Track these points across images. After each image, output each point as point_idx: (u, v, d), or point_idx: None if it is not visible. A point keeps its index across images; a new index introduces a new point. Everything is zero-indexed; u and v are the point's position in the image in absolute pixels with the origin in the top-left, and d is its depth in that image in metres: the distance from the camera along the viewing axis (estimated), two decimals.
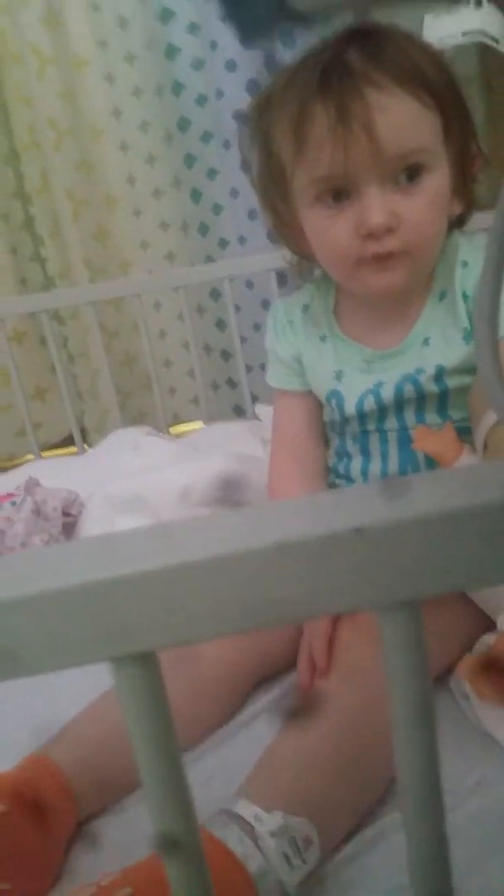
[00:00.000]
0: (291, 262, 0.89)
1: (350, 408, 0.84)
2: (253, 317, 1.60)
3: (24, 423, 1.49)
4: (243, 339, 1.46)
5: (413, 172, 0.70)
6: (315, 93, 0.68)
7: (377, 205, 0.69)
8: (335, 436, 0.90)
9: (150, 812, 0.27)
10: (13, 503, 1.03)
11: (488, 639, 0.71)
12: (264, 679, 0.78)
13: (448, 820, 0.59)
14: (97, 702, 0.70)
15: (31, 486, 1.07)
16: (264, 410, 1.31)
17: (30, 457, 1.43)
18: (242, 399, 1.63)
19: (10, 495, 1.06)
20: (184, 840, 0.27)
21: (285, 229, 0.81)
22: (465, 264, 0.78)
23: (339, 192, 0.71)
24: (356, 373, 0.84)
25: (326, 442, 0.93)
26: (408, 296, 0.80)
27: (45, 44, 1.50)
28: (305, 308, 0.90)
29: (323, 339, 0.87)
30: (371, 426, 0.85)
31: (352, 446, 0.87)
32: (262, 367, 1.64)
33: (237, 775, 0.62)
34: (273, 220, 0.82)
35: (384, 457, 0.85)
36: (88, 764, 0.64)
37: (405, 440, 0.82)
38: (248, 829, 0.53)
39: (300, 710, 0.68)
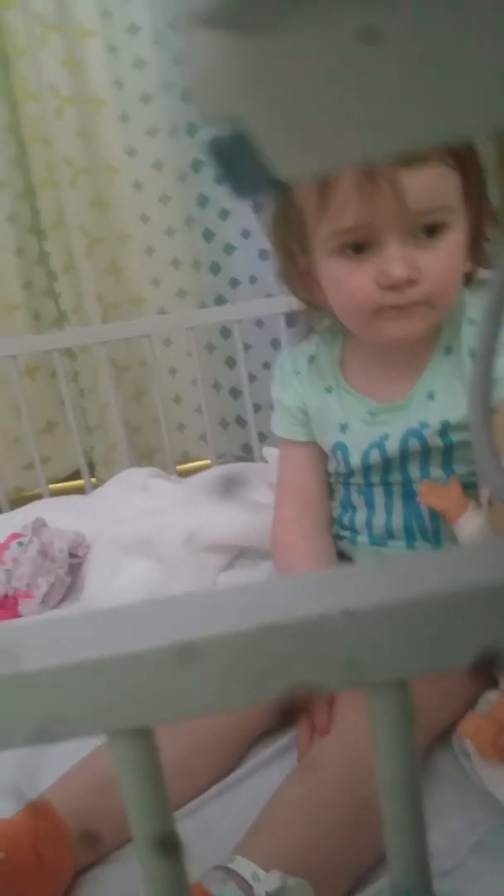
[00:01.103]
0: (299, 311, 0.90)
1: (355, 460, 0.84)
2: (262, 356, 1.61)
3: (33, 456, 1.50)
4: (252, 378, 1.47)
5: (433, 229, 0.71)
6: None
7: (399, 257, 0.70)
8: (340, 486, 0.90)
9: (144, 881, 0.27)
10: (20, 543, 1.03)
11: (491, 696, 0.71)
12: (265, 732, 0.78)
13: (447, 881, 0.58)
14: (96, 750, 0.69)
15: (38, 526, 1.07)
16: (271, 453, 1.30)
17: (38, 490, 1.43)
18: (251, 437, 1.63)
19: (16, 535, 1.05)
20: None
21: (297, 277, 0.82)
22: (471, 322, 0.79)
23: (360, 245, 0.72)
24: (361, 425, 0.84)
25: (331, 492, 0.93)
26: (414, 349, 0.80)
27: (63, 83, 1.53)
28: (311, 359, 0.90)
29: (329, 390, 0.87)
30: (376, 479, 0.84)
31: (356, 498, 0.87)
32: (271, 406, 1.65)
33: (236, 828, 0.62)
34: (285, 267, 0.82)
35: (388, 510, 0.85)
36: (89, 811, 0.64)
37: (409, 494, 0.82)
38: (246, 888, 0.52)
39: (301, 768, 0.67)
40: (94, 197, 1.60)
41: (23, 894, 0.58)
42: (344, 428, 0.85)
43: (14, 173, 1.61)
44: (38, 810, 0.63)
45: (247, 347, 1.57)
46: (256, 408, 1.45)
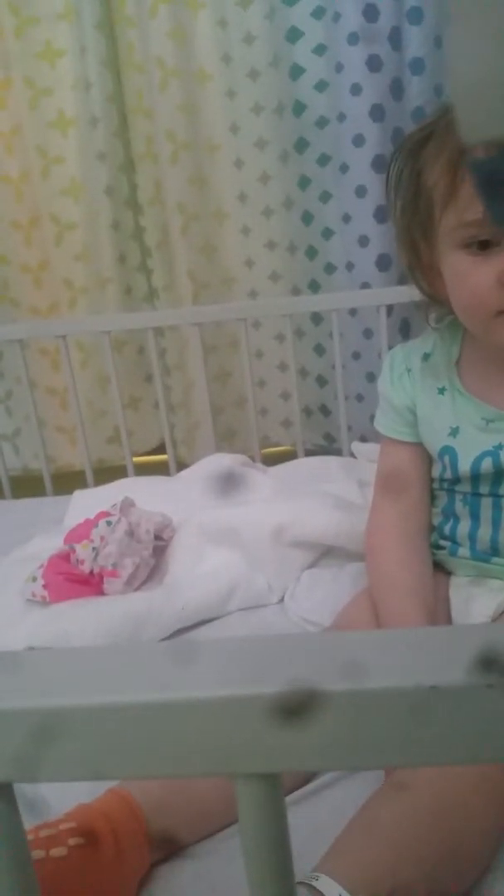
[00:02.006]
0: (419, 305, 0.86)
1: (464, 467, 0.80)
2: (354, 345, 1.57)
3: (115, 429, 1.50)
4: (342, 367, 1.44)
5: None
6: None
7: None
8: (443, 493, 0.87)
9: None
10: (108, 522, 1.03)
11: None
12: None
13: None
14: None
15: (127, 506, 1.07)
16: (361, 449, 1.28)
17: (121, 462, 1.43)
18: (335, 427, 1.61)
19: (105, 514, 1.06)
20: None
21: (421, 269, 0.79)
22: None
23: (485, 241, 0.69)
24: (474, 431, 0.80)
25: (433, 498, 0.89)
26: None
27: (169, 56, 1.50)
28: (426, 357, 0.86)
29: (441, 391, 0.84)
30: (484, 489, 0.81)
31: (461, 508, 0.84)
32: (359, 397, 1.62)
33: (315, 839, 0.59)
34: (409, 258, 0.80)
35: (496, 524, 0.81)
36: (164, 804, 0.63)
37: None
38: None
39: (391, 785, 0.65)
40: (193, 173, 1.58)
41: (98, 883, 0.57)
42: (455, 432, 0.82)
43: (115, 145, 1.59)
44: (118, 798, 0.62)
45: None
46: (344, 398, 1.42)
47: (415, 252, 0.78)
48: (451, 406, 0.82)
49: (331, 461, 1.27)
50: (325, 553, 1.02)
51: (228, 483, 1.03)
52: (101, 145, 1.56)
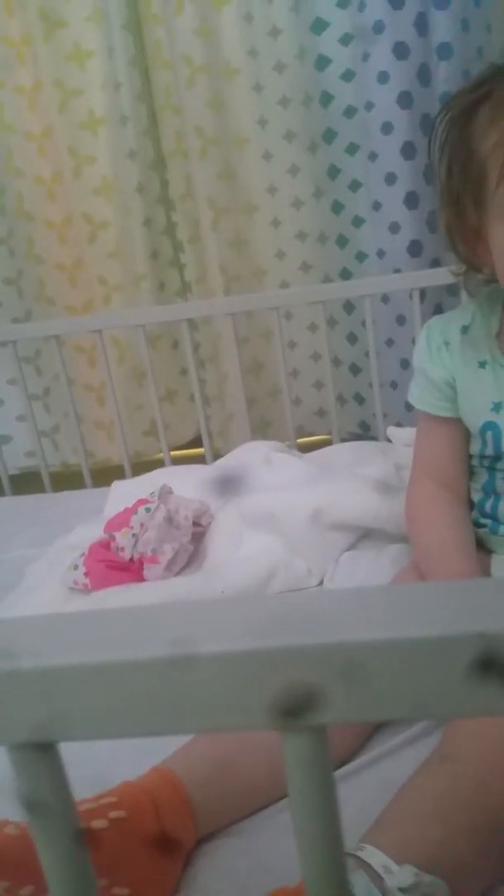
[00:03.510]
0: (457, 273, 0.83)
1: None
2: (386, 332, 1.57)
3: (151, 423, 1.52)
4: (376, 355, 1.44)
5: None
6: None
7: None
8: (483, 470, 0.85)
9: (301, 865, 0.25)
10: (147, 509, 1.05)
11: None
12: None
13: None
14: None
15: (165, 493, 1.08)
16: (397, 434, 1.28)
17: (158, 455, 1.45)
18: (369, 415, 1.61)
19: (144, 501, 1.07)
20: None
21: (462, 232, 0.76)
22: None
23: None
24: None
25: (472, 475, 0.88)
26: None
27: (196, 52, 1.52)
28: (465, 329, 0.84)
29: (482, 364, 0.81)
30: None
31: (502, 485, 0.83)
32: (393, 384, 1.62)
33: (360, 815, 0.59)
34: (451, 219, 0.76)
35: None
36: (209, 782, 0.63)
37: None
38: (377, 880, 0.50)
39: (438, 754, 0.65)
40: (222, 167, 1.59)
41: (139, 857, 0.57)
42: (498, 407, 0.79)
43: (144, 143, 1.62)
44: (160, 776, 0.62)
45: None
46: (379, 385, 1.42)
47: (459, 214, 0.74)
48: (493, 379, 0.80)
49: (366, 446, 1.27)
50: (364, 536, 1.02)
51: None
52: (132, 143, 1.59)
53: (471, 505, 0.88)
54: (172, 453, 1.55)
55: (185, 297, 1.73)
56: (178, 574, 1.04)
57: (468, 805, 0.57)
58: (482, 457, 0.84)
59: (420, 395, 0.88)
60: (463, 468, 0.87)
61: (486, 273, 0.78)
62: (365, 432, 1.71)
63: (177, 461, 1.54)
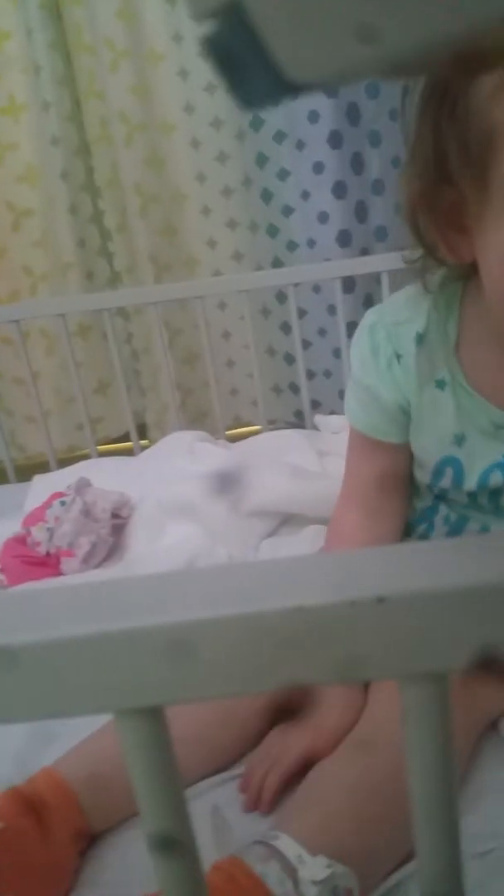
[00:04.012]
0: (409, 261, 0.65)
1: (471, 483, 0.67)
2: (318, 322, 1.57)
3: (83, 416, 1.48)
4: (307, 344, 1.43)
5: None
6: None
7: None
8: (430, 496, 0.74)
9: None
10: (62, 503, 1.03)
11: None
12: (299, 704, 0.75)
13: (481, 865, 0.55)
14: (104, 726, 0.66)
15: (82, 486, 1.06)
16: (323, 421, 1.27)
17: (85, 452, 1.43)
18: (304, 404, 1.60)
19: (59, 494, 1.05)
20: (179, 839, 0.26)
21: (434, 209, 0.57)
22: None
23: None
24: (480, 438, 0.65)
25: (414, 491, 0.76)
26: None
27: (119, 37, 1.49)
28: (420, 339, 0.66)
29: (440, 385, 0.66)
30: (484, 500, 0.69)
31: (442, 520, 0.73)
32: (326, 373, 1.61)
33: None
34: (424, 197, 0.57)
35: None
36: (96, 778, 0.62)
37: None
38: (290, 871, 0.50)
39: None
40: (149, 155, 1.57)
41: (29, 863, 0.56)
42: (460, 440, 0.66)
43: (69, 129, 1.58)
44: (42, 779, 0.62)
45: (302, 313, 1.54)
46: (310, 374, 1.41)
47: (435, 188, 0.56)
48: (454, 405, 0.66)
49: (293, 434, 1.26)
50: (285, 521, 1.02)
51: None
52: (55, 130, 1.55)
53: (403, 529, 0.77)
54: (107, 446, 1.52)
55: (115, 287, 1.70)
56: (98, 567, 1.02)
57: (382, 793, 0.56)
58: (432, 486, 0.72)
59: (363, 417, 0.72)
60: (400, 495, 0.75)
61: (449, 266, 0.61)
62: (301, 421, 1.70)
63: (111, 454, 1.51)
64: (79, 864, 0.61)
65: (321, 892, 0.49)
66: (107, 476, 1.14)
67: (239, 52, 0.18)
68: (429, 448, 0.69)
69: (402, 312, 0.68)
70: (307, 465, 1.08)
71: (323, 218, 1.51)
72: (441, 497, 0.72)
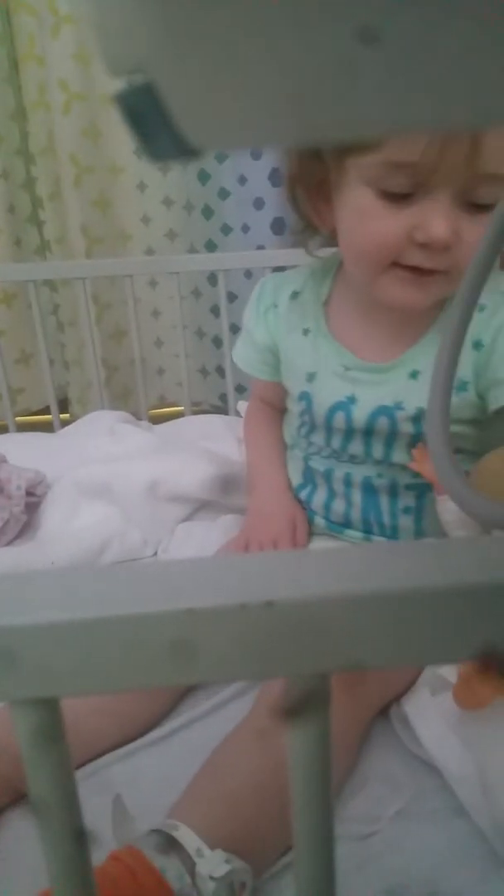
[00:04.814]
0: (295, 231, 0.79)
1: (320, 415, 0.79)
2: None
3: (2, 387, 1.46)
4: (235, 328, 1.44)
5: (484, 205, 0.62)
6: None
7: (446, 215, 0.62)
8: (302, 444, 0.85)
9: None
10: None
11: (438, 670, 0.70)
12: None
13: (365, 847, 0.58)
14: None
15: None
16: (245, 408, 1.29)
17: (4, 422, 1.40)
18: (229, 389, 1.61)
19: None
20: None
21: (307, 186, 0.71)
22: (482, 308, 0.69)
23: (403, 193, 0.63)
24: (331, 378, 0.77)
25: (291, 447, 0.91)
26: (410, 318, 0.73)
27: (62, 0, 1.45)
28: (294, 295, 0.82)
29: (305, 332, 0.80)
30: (336, 444, 0.79)
31: (318, 474, 0.83)
32: None
33: (168, 780, 0.60)
34: (299, 169, 0.71)
35: (348, 499, 0.81)
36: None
37: (369, 489, 0.79)
38: (189, 864, 0.49)
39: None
40: (87, 125, 1.54)
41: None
42: (311, 377, 0.79)
43: (5, 92, 1.54)
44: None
45: (232, 297, 1.54)
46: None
47: (308, 162, 0.69)
48: (312, 348, 0.79)
49: (216, 420, 1.28)
50: (201, 507, 1.03)
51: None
52: None
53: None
54: (27, 418, 1.50)
55: (44, 256, 1.67)
56: (8, 545, 1.02)
57: (279, 783, 0.56)
58: (302, 422, 0.83)
59: (243, 354, 0.90)
60: (278, 420, 0.94)
61: (323, 235, 0.74)
62: (224, 405, 1.71)
63: (31, 427, 1.49)
64: None
65: (218, 888, 0.48)
66: (23, 451, 1.13)
67: (145, 113, 0.19)
68: (290, 384, 0.83)
69: (290, 275, 0.85)
70: (227, 452, 1.09)
71: (258, 204, 1.51)
72: (310, 441, 0.83)
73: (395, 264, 0.66)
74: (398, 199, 0.63)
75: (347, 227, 0.68)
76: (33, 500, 1.04)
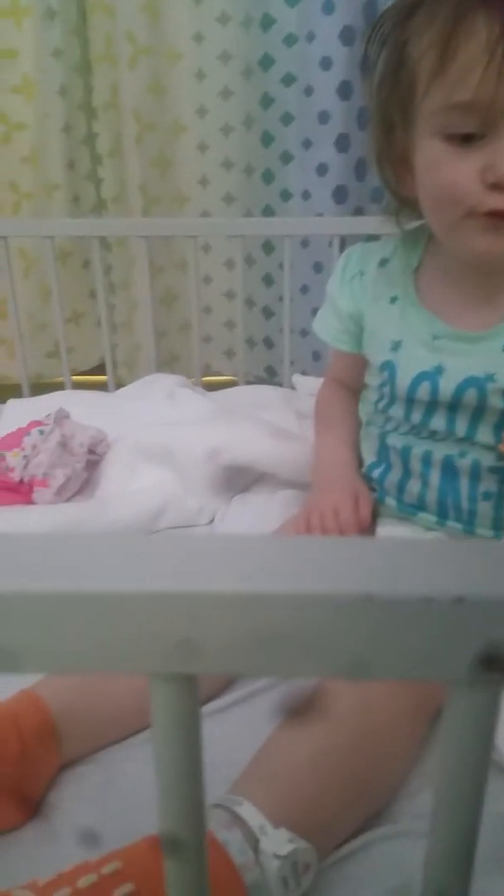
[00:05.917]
0: (387, 210, 0.78)
1: (402, 386, 0.76)
2: (303, 278, 1.55)
3: (55, 343, 1.46)
4: (290, 300, 1.42)
5: None
6: (479, 2, 0.58)
7: None
8: (379, 420, 0.82)
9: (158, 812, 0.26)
10: (41, 431, 1.01)
11: None
12: None
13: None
14: None
15: (61, 417, 1.05)
16: (302, 382, 1.28)
17: (59, 379, 1.40)
18: (277, 361, 1.59)
19: (38, 423, 1.03)
20: (189, 843, 0.26)
21: (391, 160, 0.71)
22: None
23: (469, 134, 0.62)
24: (418, 347, 0.75)
25: (368, 424, 0.87)
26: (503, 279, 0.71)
27: None
28: (383, 262, 0.80)
29: (393, 300, 0.78)
30: (416, 417, 0.77)
31: (394, 451, 0.80)
32: (303, 332, 1.61)
33: (230, 753, 0.58)
34: (381, 143, 0.71)
35: (424, 480, 0.78)
36: (74, 706, 0.63)
37: (449, 470, 0.76)
38: (252, 840, 0.49)
39: (302, 708, 0.65)
40: (152, 81, 1.51)
41: (4, 781, 0.57)
42: (396, 346, 0.76)
43: (71, 43, 1.51)
44: (26, 700, 0.62)
45: (289, 267, 1.52)
46: (290, 331, 1.40)
47: (388, 137, 0.69)
48: (399, 317, 0.77)
49: (270, 391, 1.27)
50: (258, 479, 1.02)
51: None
52: (58, 41, 1.48)
53: (360, 463, 0.87)
54: (75, 378, 1.49)
55: (99, 214, 1.65)
56: (68, 500, 1.02)
57: (342, 764, 0.56)
58: (380, 399, 0.81)
59: (324, 323, 0.88)
60: (354, 400, 0.91)
61: (414, 208, 0.73)
62: (270, 377, 1.70)
63: (79, 387, 1.49)
64: (44, 791, 0.61)
65: (282, 867, 0.48)
66: (84, 409, 1.13)
67: None
68: (373, 354, 0.81)
69: (378, 243, 0.84)
70: (286, 424, 1.08)
71: (322, 170, 1.48)
72: (387, 417, 0.81)
73: (471, 213, 0.64)
74: (465, 142, 0.62)
75: (422, 183, 0.68)
76: (94, 458, 1.04)
